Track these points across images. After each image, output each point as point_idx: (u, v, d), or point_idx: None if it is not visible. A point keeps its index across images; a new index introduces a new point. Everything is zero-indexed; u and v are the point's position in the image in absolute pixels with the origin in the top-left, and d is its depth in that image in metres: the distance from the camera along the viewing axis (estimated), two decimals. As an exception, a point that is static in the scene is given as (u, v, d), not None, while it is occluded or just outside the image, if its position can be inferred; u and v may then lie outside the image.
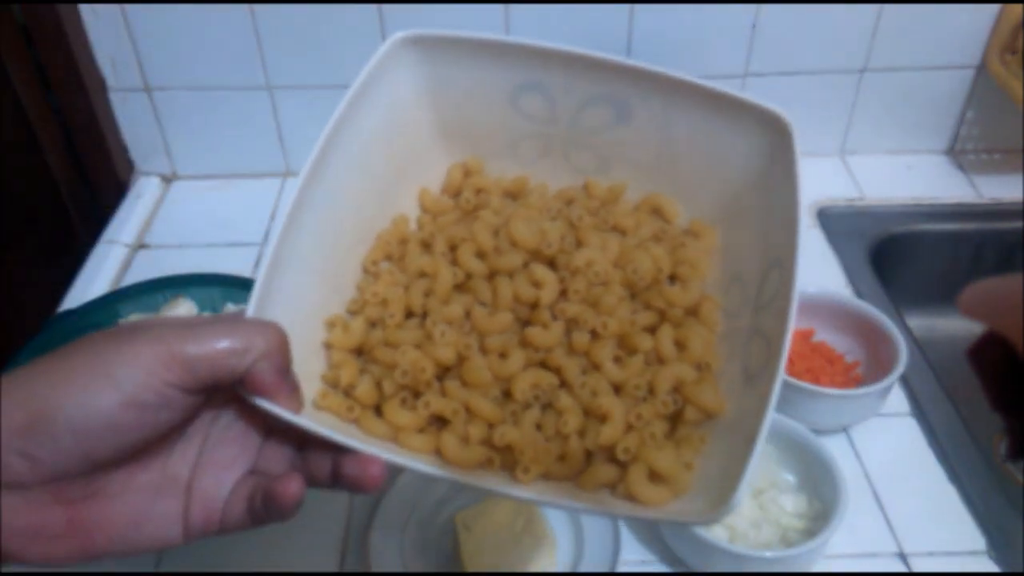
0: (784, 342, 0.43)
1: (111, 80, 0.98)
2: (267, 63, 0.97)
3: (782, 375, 0.42)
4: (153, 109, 1.00)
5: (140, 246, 0.98)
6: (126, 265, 0.95)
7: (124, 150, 1.04)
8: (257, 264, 0.93)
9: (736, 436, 0.44)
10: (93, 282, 0.92)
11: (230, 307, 0.80)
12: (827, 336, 0.82)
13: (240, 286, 0.81)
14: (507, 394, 0.49)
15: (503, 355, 0.50)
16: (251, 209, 1.01)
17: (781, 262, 0.48)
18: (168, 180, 1.07)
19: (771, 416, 0.41)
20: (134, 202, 1.03)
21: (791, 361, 0.79)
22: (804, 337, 0.82)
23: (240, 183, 1.06)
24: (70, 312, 0.80)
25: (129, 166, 1.06)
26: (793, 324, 0.44)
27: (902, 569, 0.67)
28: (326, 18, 0.94)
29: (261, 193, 1.04)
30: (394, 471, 0.68)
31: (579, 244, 0.54)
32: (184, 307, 0.79)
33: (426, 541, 0.67)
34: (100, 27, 0.94)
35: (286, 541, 0.68)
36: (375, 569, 0.64)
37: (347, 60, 0.95)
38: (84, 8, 0.93)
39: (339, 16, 0.94)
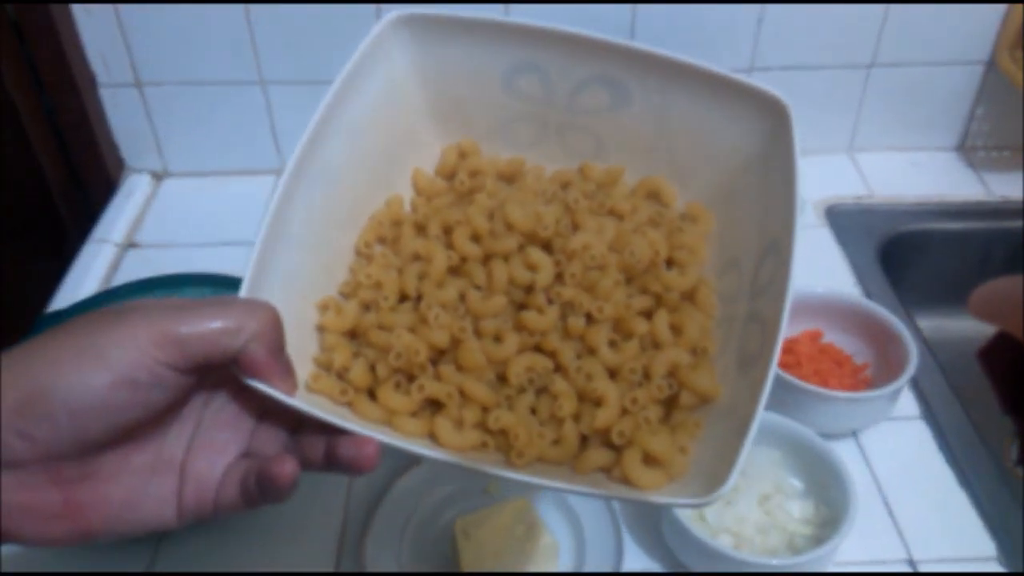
0: (780, 327, 0.43)
1: (102, 76, 0.97)
2: (260, 58, 0.96)
3: (777, 360, 0.42)
4: (144, 105, 0.99)
5: (130, 245, 0.97)
6: (116, 264, 0.94)
7: (114, 147, 1.03)
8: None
9: (731, 421, 0.44)
10: (83, 282, 0.91)
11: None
12: (835, 337, 0.81)
13: (233, 286, 0.80)
14: (502, 378, 0.49)
15: (498, 339, 0.50)
16: (244, 207, 0.99)
17: (778, 246, 0.48)
18: (159, 177, 1.05)
19: (765, 400, 0.41)
20: (124, 200, 1.01)
21: (799, 363, 0.77)
22: (812, 338, 0.81)
23: (233, 180, 1.04)
24: (59, 312, 0.79)
25: (119, 163, 1.04)
26: (788, 308, 0.44)
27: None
28: (321, 11, 0.93)
29: (254, 191, 1.02)
30: (391, 476, 0.69)
31: (575, 227, 0.54)
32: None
33: (424, 548, 0.66)
34: (92, 23, 0.93)
35: (279, 548, 0.67)
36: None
37: (343, 55, 0.93)
38: (75, 5, 0.92)
39: (335, 9, 0.92)
